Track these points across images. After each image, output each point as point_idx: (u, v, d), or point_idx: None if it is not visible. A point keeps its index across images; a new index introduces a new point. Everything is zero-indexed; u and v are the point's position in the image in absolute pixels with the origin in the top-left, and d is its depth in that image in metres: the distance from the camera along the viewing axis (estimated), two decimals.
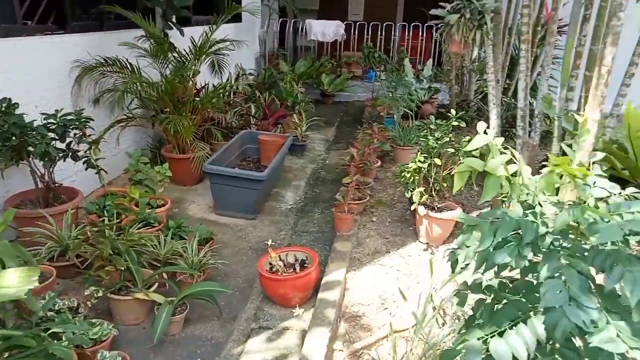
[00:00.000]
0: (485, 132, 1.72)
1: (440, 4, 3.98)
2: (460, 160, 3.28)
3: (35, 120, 3.05)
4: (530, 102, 3.69)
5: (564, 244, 1.32)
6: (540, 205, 1.46)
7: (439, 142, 3.58)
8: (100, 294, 2.49)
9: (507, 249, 1.30)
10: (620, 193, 1.39)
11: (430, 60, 7.47)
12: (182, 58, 4.50)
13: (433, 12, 4.03)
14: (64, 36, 3.76)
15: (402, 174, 3.69)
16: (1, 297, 1.66)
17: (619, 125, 3.64)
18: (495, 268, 1.37)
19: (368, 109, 7.12)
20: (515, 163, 1.66)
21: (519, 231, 1.32)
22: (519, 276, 1.40)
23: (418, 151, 3.70)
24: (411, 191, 3.57)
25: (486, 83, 3.71)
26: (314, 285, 2.87)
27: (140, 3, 4.42)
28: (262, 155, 4.77)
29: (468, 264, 1.42)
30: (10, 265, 1.77)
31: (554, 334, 1.15)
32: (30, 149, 2.94)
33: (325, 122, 6.31)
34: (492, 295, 1.41)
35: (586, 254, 1.25)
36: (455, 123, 3.67)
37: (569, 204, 1.37)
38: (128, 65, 4.17)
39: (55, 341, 1.92)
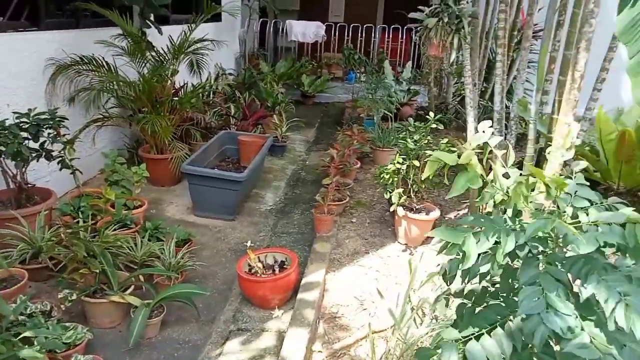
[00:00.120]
0: (483, 132, 1.73)
1: (419, 7, 4.02)
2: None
3: (7, 119, 2.97)
4: (506, 105, 3.76)
5: (544, 250, 1.33)
6: (520, 212, 1.47)
7: (418, 144, 3.62)
8: (74, 297, 2.44)
9: (486, 258, 1.32)
10: (602, 202, 1.38)
11: (410, 62, 7.54)
12: (161, 57, 4.45)
13: (412, 15, 4.08)
14: (37, 33, 3.66)
15: (381, 176, 3.72)
16: None
17: (591, 128, 3.74)
18: (477, 278, 1.40)
19: (348, 111, 7.15)
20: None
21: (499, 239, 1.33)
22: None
23: (397, 153, 3.74)
24: (390, 192, 3.60)
25: (464, 86, 3.76)
26: (294, 287, 2.86)
27: (118, 1, 4.35)
28: (241, 156, 4.74)
29: (455, 276, 1.44)
30: None
31: (532, 340, 1.17)
32: (2, 148, 2.86)
33: (305, 123, 6.31)
34: (473, 300, 1.43)
35: (565, 261, 1.27)
36: (433, 125, 3.72)
37: (545, 214, 1.38)
38: (104, 64, 4.09)
39: (27, 346, 1.87)
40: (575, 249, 1.23)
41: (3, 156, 2.94)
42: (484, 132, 1.68)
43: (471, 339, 1.28)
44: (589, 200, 1.38)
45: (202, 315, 2.71)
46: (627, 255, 1.26)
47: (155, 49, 4.39)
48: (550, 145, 2.97)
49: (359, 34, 9.41)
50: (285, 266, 2.91)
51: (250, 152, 4.54)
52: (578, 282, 1.25)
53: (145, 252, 2.84)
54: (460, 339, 1.30)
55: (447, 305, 1.53)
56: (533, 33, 3.91)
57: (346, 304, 2.86)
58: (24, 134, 2.98)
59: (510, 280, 1.37)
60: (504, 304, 1.36)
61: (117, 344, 2.44)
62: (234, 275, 2.99)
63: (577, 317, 1.19)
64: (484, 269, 1.33)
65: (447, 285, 1.52)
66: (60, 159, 3.20)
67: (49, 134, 3.13)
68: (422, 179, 2.02)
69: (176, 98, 4.57)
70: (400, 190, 3.55)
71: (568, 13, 3.15)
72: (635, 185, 3.95)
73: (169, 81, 4.53)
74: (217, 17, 6.77)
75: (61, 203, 3.31)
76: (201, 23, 4.63)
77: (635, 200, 3.85)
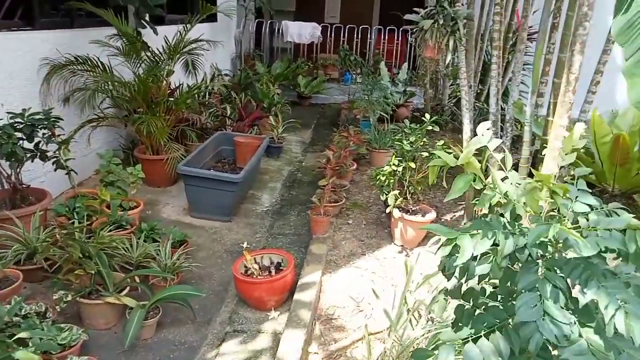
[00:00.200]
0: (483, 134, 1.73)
1: (415, 9, 4.03)
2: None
3: (1, 119, 2.96)
4: (501, 107, 3.78)
5: (544, 254, 1.33)
6: (520, 217, 1.47)
7: (413, 146, 3.63)
8: (69, 298, 2.43)
9: (486, 259, 1.32)
10: (602, 207, 1.39)
11: (406, 64, 7.55)
12: (156, 57, 4.43)
13: (407, 17, 4.08)
14: (31, 32, 3.64)
15: (378, 177, 3.72)
16: None
17: (586, 130, 3.76)
18: (476, 278, 1.40)
19: (344, 112, 7.15)
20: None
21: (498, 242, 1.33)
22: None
23: (393, 154, 3.75)
24: (386, 194, 3.61)
25: (459, 88, 3.78)
26: (290, 288, 2.86)
27: (112, 0, 4.33)
28: (237, 157, 4.73)
29: (453, 272, 1.44)
30: None
31: (528, 346, 1.18)
32: None
33: (301, 124, 6.31)
34: (471, 302, 1.43)
35: (565, 266, 1.27)
36: (429, 127, 3.73)
37: (547, 219, 1.38)
38: (99, 64, 4.08)
39: (22, 347, 1.86)
40: (576, 252, 1.23)
41: None
42: (482, 135, 1.67)
43: (469, 341, 1.28)
44: (590, 206, 1.38)
45: (198, 317, 2.70)
46: (628, 261, 1.27)
47: (150, 49, 4.38)
48: (545, 147, 2.98)
49: (355, 35, 9.43)
50: (281, 267, 2.90)
51: (246, 153, 4.54)
52: (577, 287, 1.26)
53: (141, 253, 2.83)
54: (458, 341, 1.30)
55: (446, 307, 1.52)
56: (528, 35, 3.92)
57: (342, 306, 2.86)
58: (19, 134, 2.96)
59: (509, 284, 1.37)
60: (502, 307, 1.36)
61: (112, 345, 2.43)
62: (230, 277, 2.99)
63: (575, 323, 1.19)
64: (484, 269, 1.33)
65: (448, 280, 1.52)
66: (55, 159, 3.19)
67: (43, 134, 3.11)
68: (429, 183, 2.01)
69: (172, 98, 4.56)
70: (397, 192, 3.56)
71: (562, 16, 3.17)
72: (629, 187, 3.97)
73: (165, 81, 4.51)
74: (212, 18, 6.76)
75: (56, 204, 3.29)
76: (197, 23, 4.62)
77: (630, 202, 3.88)
